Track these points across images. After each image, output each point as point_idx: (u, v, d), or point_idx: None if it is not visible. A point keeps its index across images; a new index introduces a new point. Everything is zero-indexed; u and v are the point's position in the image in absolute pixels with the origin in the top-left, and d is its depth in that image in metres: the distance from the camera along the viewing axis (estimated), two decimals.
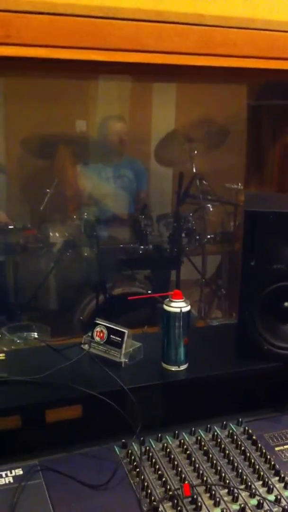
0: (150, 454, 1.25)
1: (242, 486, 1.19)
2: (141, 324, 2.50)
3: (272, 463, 1.26)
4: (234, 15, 1.43)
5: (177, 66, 1.42)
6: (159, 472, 1.20)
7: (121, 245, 3.39)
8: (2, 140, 4.07)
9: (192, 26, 1.39)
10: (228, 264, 3.68)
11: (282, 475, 1.23)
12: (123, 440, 1.27)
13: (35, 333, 2.03)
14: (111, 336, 1.46)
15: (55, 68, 1.57)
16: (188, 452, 1.27)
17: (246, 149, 2.57)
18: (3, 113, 4.07)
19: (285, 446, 1.33)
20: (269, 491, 1.19)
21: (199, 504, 1.13)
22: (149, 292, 3.25)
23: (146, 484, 1.17)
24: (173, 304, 1.41)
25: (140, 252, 3.38)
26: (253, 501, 1.16)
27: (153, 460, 1.23)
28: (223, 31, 1.40)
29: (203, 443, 1.30)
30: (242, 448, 1.30)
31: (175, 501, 1.13)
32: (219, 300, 3.70)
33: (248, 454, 1.28)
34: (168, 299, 1.42)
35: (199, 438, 1.31)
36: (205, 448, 1.28)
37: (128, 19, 1.33)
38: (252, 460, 1.26)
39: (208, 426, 1.35)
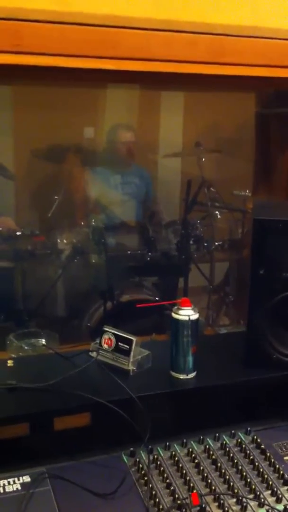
0: (158, 462, 1.25)
1: (251, 496, 1.19)
2: (149, 331, 2.49)
3: (281, 472, 1.25)
4: (243, 24, 1.43)
5: (185, 74, 1.43)
6: (167, 480, 1.20)
7: (129, 252, 3.39)
8: (11, 147, 4.09)
9: (201, 35, 1.39)
10: (236, 271, 3.67)
11: None
12: (131, 449, 1.27)
13: (43, 340, 2.03)
14: (119, 343, 1.46)
15: (64, 76, 1.58)
16: (196, 461, 1.26)
17: (254, 156, 2.57)
18: (12, 120, 4.09)
19: None
20: (278, 500, 1.18)
21: None
22: (157, 299, 3.24)
23: (154, 493, 1.16)
24: (181, 312, 1.41)
25: (148, 259, 3.37)
26: (262, 511, 1.16)
27: (161, 468, 1.23)
28: (232, 40, 1.41)
29: (211, 452, 1.29)
30: (251, 457, 1.29)
31: (184, 510, 1.13)
32: (227, 307, 3.69)
33: (256, 463, 1.27)
34: (176, 307, 1.42)
35: (207, 446, 1.30)
36: (213, 457, 1.28)
37: (137, 28, 1.34)
38: (261, 469, 1.26)
39: (217, 435, 1.34)
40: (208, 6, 1.40)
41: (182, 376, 1.44)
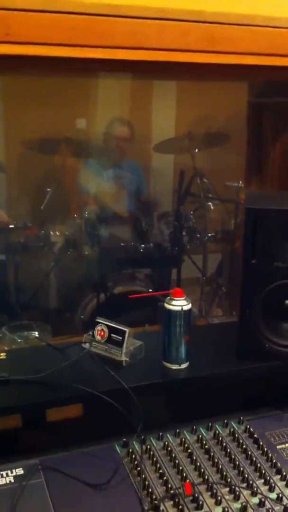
0: (151, 453, 1.24)
1: (244, 485, 1.19)
2: (142, 323, 2.50)
3: (274, 461, 1.26)
4: (235, 11, 1.42)
5: (178, 63, 1.42)
6: (160, 471, 1.20)
7: (122, 244, 3.38)
8: (2, 139, 4.07)
9: (193, 23, 1.38)
10: (228, 263, 3.68)
11: (284, 473, 1.22)
12: (124, 439, 1.27)
13: (36, 332, 2.02)
14: (112, 335, 1.45)
15: (55, 66, 1.56)
16: (189, 450, 1.26)
17: (246, 147, 2.56)
18: (3, 112, 4.06)
19: (287, 444, 1.32)
20: (271, 489, 1.19)
21: (201, 502, 1.12)
22: (150, 290, 3.24)
23: (147, 483, 1.16)
24: (174, 302, 1.41)
25: (141, 250, 3.37)
26: (255, 500, 1.16)
27: (154, 459, 1.23)
28: (224, 28, 1.40)
29: (204, 442, 1.29)
30: (244, 446, 1.29)
31: (176, 500, 1.13)
32: (219, 299, 3.69)
33: (249, 453, 1.28)
34: (169, 298, 1.42)
35: (200, 436, 1.30)
36: (206, 446, 1.28)
37: (127, 16, 1.33)
38: (254, 459, 1.26)
39: (209, 424, 1.34)
40: None
41: (174, 367, 1.43)
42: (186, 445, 1.27)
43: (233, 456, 1.26)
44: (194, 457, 1.24)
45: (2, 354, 1.47)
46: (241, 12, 1.43)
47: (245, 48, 1.44)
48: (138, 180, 3.98)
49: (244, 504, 1.14)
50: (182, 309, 1.40)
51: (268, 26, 1.45)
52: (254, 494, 1.17)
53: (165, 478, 1.18)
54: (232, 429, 1.34)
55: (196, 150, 3.67)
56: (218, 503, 1.13)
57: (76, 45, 1.31)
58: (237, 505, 1.14)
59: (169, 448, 1.26)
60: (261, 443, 1.30)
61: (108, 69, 1.87)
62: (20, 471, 1.18)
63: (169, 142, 3.91)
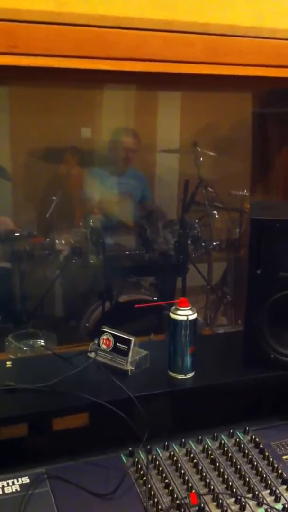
0: (157, 462, 1.25)
1: (250, 495, 1.19)
2: (147, 331, 2.49)
3: (280, 471, 1.25)
4: (240, 23, 1.43)
5: (183, 75, 1.43)
6: (166, 480, 1.20)
7: (127, 252, 3.39)
8: (8, 148, 4.09)
9: (198, 35, 1.39)
10: (233, 271, 3.68)
11: None
12: (130, 449, 1.27)
13: (42, 341, 2.03)
14: (118, 344, 1.46)
15: (61, 77, 1.58)
16: (195, 460, 1.26)
17: (251, 156, 2.57)
18: (10, 121, 4.09)
19: None
20: (277, 499, 1.19)
21: None
22: (155, 299, 3.24)
23: (153, 492, 1.16)
24: (179, 312, 1.41)
25: (146, 259, 3.38)
26: (261, 510, 1.16)
27: (160, 468, 1.23)
28: (229, 40, 1.41)
29: (210, 452, 1.29)
30: (249, 456, 1.29)
31: (182, 510, 1.13)
32: (224, 307, 3.69)
33: (255, 463, 1.27)
34: (174, 307, 1.42)
35: (206, 446, 1.30)
36: (212, 456, 1.28)
37: (133, 28, 1.34)
38: (260, 469, 1.26)
39: (215, 434, 1.34)
40: (205, 6, 1.40)
41: (180, 376, 1.44)
42: (191, 455, 1.28)
43: (238, 466, 1.26)
44: (200, 467, 1.24)
45: (8, 362, 1.48)
46: (246, 24, 1.44)
47: (250, 60, 1.45)
48: (143, 188, 4.00)
49: None
50: (187, 318, 1.40)
51: (272, 38, 1.46)
52: (259, 504, 1.17)
53: (170, 488, 1.18)
54: (237, 439, 1.34)
55: (201, 159, 3.69)
56: None
57: (82, 57, 1.33)
58: None
59: (174, 458, 1.26)
60: (266, 453, 1.30)
61: (114, 81, 1.89)
62: (26, 479, 1.18)
63: (173, 151, 3.93)
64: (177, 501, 1.14)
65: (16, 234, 3.28)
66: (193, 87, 2.29)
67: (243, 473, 1.24)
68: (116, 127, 4.03)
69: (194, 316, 1.42)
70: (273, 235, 1.40)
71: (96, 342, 1.50)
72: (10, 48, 1.26)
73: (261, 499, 1.18)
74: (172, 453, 1.27)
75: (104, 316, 3.11)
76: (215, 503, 1.16)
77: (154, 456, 1.26)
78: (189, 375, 1.44)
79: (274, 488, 1.21)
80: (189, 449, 1.29)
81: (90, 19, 1.30)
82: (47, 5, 1.27)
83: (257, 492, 1.19)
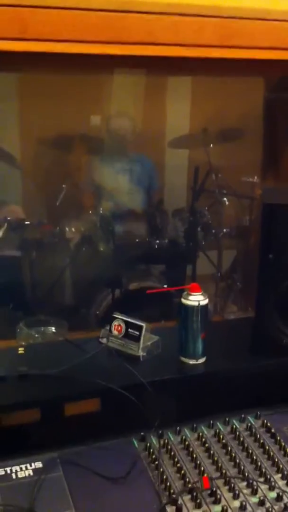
0: (169, 447, 1.25)
1: (262, 479, 1.19)
2: (157, 319, 2.50)
3: None
4: (251, 5, 1.41)
5: (193, 59, 1.42)
6: (178, 465, 1.20)
7: (137, 240, 3.39)
8: (17, 136, 4.09)
9: (208, 18, 1.37)
10: (243, 258, 3.67)
11: None
12: (142, 433, 1.27)
13: (53, 328, 2.04)
14: (129, 330, 1.46)
15: (70, 63, 1.57)
16: (206, 445, 1.27)
17: (262, 142, 2.55)
18: (18, 109, 4.08)
19: None
20: None
21: (218, 496, 1.12)
22: (165, 286, 3.24)
23: (165, 477, 1.17)
24: (191, 297, 1.41)
25: (156, 247, 3.37)
26: (273, 494, 1.16)
27: (172, 453, 1.23)
28: (240, 22, 1.39)
29: (221, 436, 1.29)
30: (261, 441, 1.29)
31: (194, 493, 1.13)
32: (234, 295, 3.69)
33: (267, 447, 1.28)
34: (185, 293, 1.42)
35: (217, 431, 1.31)
36: (223, 441, 1.28)
37: (143, 12, 1.33)
38: (271, 453, 1.26)
39: (227, 419, 1.34)
40: None
41: (191, 361, 1.44)
42: (203, 440, 1.28)
43: (250, 451, 1.26)
44: (212, 452, 1.25)
45: (20, 349, 1.49)
46: (257, 6, 1.42)
47: (261, 43, 1.43)
48: (150, 174, 3.98)
49: (261, 498, 1.14)
50: (199, 304, 1.40)
51: (284, 20, 1.44)
52: (271, 488, 1.17)
53: (182, 472, 1.18)
54: (249, 424, 1.34)
55: (211, 145, 3.66)
56: (235, 497, 1.13)
57: (91, 42, 1.32)
58: (254, 499, 1.14)
59: (186, 443, 1.26)
60: (278, 437, 1.30)
61: (123, 65, 1.88)
62: (39, 464, 1.19)
63: (183, 138, 3.91)
64: (189, 485, 1.15)
65: (26, 222, 3.29)
66: (203, 72, 2.27)
67: (254, 457, 1.24)
68: (110, 114, 4.02)
69: (206, 301, 1.42)
70: (285, 219, 1.39)
71: (107, 328, 1.50)
72: (19, 33, 1.25)
73: (273, 483, 1.18)
74: (184, 437, 1.28)
75: (114, 303, 3.12)
76: (227, 487, 1.16)
77: (166, 441, 1.26)
78: (201, 361, 1.44)
79: (286, 472, 1.21)
80: (200, 434, 1.29)
81: (98, 4, 1.29)
82: None
83: (268, 476, 1.20)
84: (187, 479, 1.16)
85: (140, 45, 1.35)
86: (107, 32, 1.31)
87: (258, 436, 1.30)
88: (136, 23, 1.33)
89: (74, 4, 1.27)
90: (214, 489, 1.14)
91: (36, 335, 1.96)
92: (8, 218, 3.22)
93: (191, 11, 1.36)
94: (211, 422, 1.33)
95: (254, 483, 1.17)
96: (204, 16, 1.37)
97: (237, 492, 1.14)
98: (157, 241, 3.38)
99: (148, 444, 1.25)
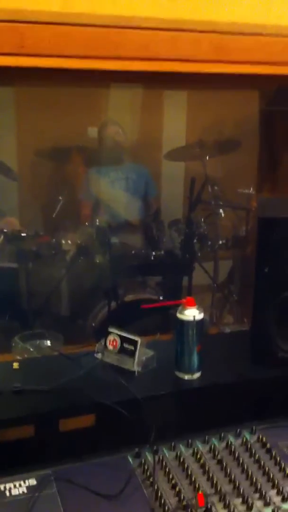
0: (164, 463, 1.24)
1: (257, 495, 1.18)
2: (153, 330, 2.49)
3: (287, 471, 1.25)
4: (247, 21, 1.42)
5: (189, 73, 1.43)
6: (173, 481, 1.19)
7: (133, 251, 3.39)
8: (14, 148, 4.09)
9: (205, 34, 1.38)
10: (240, 270, 3.67)
11: None
12: (137, 450, 1.26)
13: (48, 341, 2.03)
14: (124, 344, 1.45)
15: (67, 77, 1.57)
16: (202, 461, 1.26)
17: (258, 154, 2.57)
18: (15, 121, 4.09)
19: None
20: (284, 499, 1.18)
21: None
22: (161, 298, 3.24)
23: (160, 493, 1.16)
24: (186, 312, 1.41)
25: (152, 258, 3.37)
26: (268, 510, 1.15)
27: (167, 469, 1.22)
28: (236, 38, 1.40)
29: (217, 452, 1.28)
30: (257, 456, 1.29)
31: (189, 511, 1.12)
32: (230, 306, 3.68)
33: (262, 463, 1.27)
34: (181, 307, 1.42)
35: (212, 446, 1.30)
36: (219, 457, 1.27)
37: (140, 27, 1.34)
38: (267, 469, 1.25)
39: (222, 434, 1.34)
40: (211, 4, 1.39)
41: (187, 376, 1.43)
42: (198, 455, 1.27)
43: (245, 466, 1.25)
44: (207, 468, 1.24)
45: (15, 364, 1.48)
46: (252, 22, 1.43)
47: (256, 58, 1.44)
48: (146, 184, 3.98)
49: None
50: (194, 318, 1.40)
51: (279, 35, 1.45)
52: (267, 504, 1.16)
53: (177, 489, 1.18)
54: (244, 439, 1.33)
55: (207, 157, 3.67)
56: None
57: (89, 57, 1.33)
58: None
59: (181, 459, 1.26)
60: (273, 453, 1.30)
61: (120, 80, 1.89)
62: (33, 481, 1.18)
63: (180, 150, 3.92)
64: (184, 502, 1.14)
65: (22, 234, 3.28)
66: (200, 86, 2.29)
67: (250, 473, 1.23)
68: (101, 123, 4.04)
69: (201, 316, 1.42)
70: (281, 233, 1.40)
71: (102, 342, 1.50)
72: (17, 48, 1.26)
73: (268, 499, 1.17)
74: (178, 453, 1.27)
75: (110, 315, 3.11)
76: (222, 504, 1.15)
77: (161, 457, 1.25)
78: (196, 375, 1.44)
79: (281, 488, 1.20)
80: (195, 449, 1.29)
81: (96, 19, 1.30)
82: (54, 5, 1.27)
83: (264, 492, 1.19)
84: (182, 496, 1.16)
85: (137, 61, 1.36)
86: (104, 47, 1.32)
87: (253, 451, 1.30)
88: (133, 38, 1.34)
89: (72, 20, 1.28)
90: (209, 506, 1.14)
91: (31, 349, 1.95)
92: (5, 230, 3.22)
93: (188, 26, 1.37)
94: (206, 437, 1.32)
95: (250, 499, 1.16)
96: (200, 32, 1.38)
97: (232, 508, 1.13)
98: (153, 253, 3.37)
99: (143, 460, 1.24)
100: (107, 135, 3.89)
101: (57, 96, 3.45)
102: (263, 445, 1.32)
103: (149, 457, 1.25)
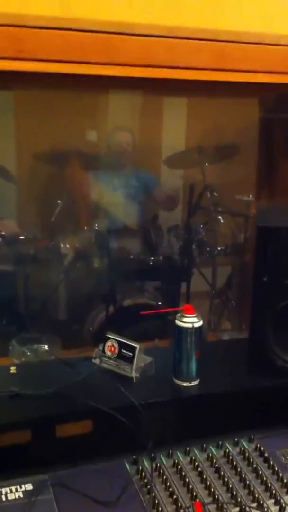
0: (161, 470, 1.24)
1: (254, 504, 1.18)
2: (151, 336, 2.49)
3: (285, 480, 1.24)
4: (247, 29, 1.43)
5: (189, 81, 1.43)
6: (170, 489, 1.19)
7: (131, 256, 3.39)
8: (13, 151, 4.09)
9: (205, 42, 1.39)
10: (238, 276, 3.67)
11: None
12: (134, 456, 1.26)
13: (46, 345, 2.03)
14: (123, 350, 1.45)
15: (66, 82, 1.58)
16: (199, 469, 1.25)
17: (257, 161, 2.57)
18: (14, 125, 4.09)
19: None
20: (282, 509, 1.17)
21: None
22: (159, 303, 3.24)
23: (157, 501, 1.16)
24: (185, 319, 1.40)
25: (150, 263, 3.37)
26: None
27: (164, 477, 1.22)
28: (236, 46, 1.41)
29: (214, 460, 1.28)
30: (254, 465, 1.28)
31: None
32: (229, 312, 3.68)
33: (260, 472, 1.26)
34: (179, 314, 1.42)
35: (210, 454, 1.30)
36: (216, 465, 1.27)
37: (139, 34, 1.34)
38: (264, 478, 1.25)
39: (220, 442, 1.33)
40: (211, 12, 1.40)
41: (185, 384, 1.43)
42: (196, 463, 1.27)
43: (243, 475, 1.25)
44: (204, 476, 1.23)
45: (12, 368, 1.48)
46: (253, 30, 1.43)
47: (256, 66, 1.45)
48: (147, 189, 3.98)
49: None
50: (193, 326, 1.40)
51: (279, 44, 1.46)
52: None
53: (175, 496, 1.17)
54: (242, 448, 1.33)
55: (206, 164, 3.68)
56: None
57: (88, 63, 1.33)
58: None
59: (179, 466, 1.25)
60: (271, 462, 1.29)
61: (119, 86, 1.89)
62: (29, 486, 1.17)
63: (179, 156, 3.93)
64: (181, 510, 1.14)
65: (20, 237, 3.28)
66: (199, 93, 2.29)
67: (247, 482, 1.23)
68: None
69: (200, 323, 1.41)
70: (279, 242, 1.40)
71: (100, 348, 1.49)
72: (16, 53, 1.26)
73: (265, 509, 1.17)
74: (176, 461, 1.27)
75: (108, 320, 3.11)
76: None
77: (158, 464, 1.25)
78: (194, 383, 1.44)
79: (279, 498, 1.20)
80: (193, 457, 1.28)
81: (96, 25, 1.30)
82: (53, 10, 1.27)
83: (261, 502, 1.18)
84: (179, 504, 1.15)
85: (136, 67, 1.36)
86: (104, 53, 1.33)
87: (251, 460, 1.29)
88: (133, 45, 1.34)
89: (72, 25, 1.28)
90: None
91: (29, 353, 1.95)
92: (3, 233, 3.22)
93: (188, 34, 1.37)
94: (204, 445, 1.32)
95: (247, 508, 1.16)
96: (201, 40, 1.38)
97: None
98: (152, 258, 3.38)
99: (140, 467, 1.24)
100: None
101: (56, 100, 3.45)
102: (261, 453, 1.32)
103: (147, 464, 1.25)
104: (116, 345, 1.46)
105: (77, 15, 1.28)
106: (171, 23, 1.36)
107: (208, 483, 1.21)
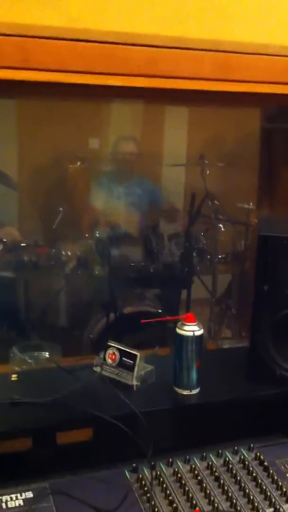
0: (161, 479, 1.24)
1: None
2: (151, 343, 2.49)
3: (284, 489, 1.25)
4: (249, 40, 1.44)
5: (191, 91, 1.44)
6: (170, 497, 1.19)
7: (132, 264, 3.40)
8: (15, 158, 4.11)
9: (207, 52, 1.40)
10: (238, 284, 3.68)
11: None
12: (134, 464, 1.26)
13: (47, 353, 2.03)
14: (123, 358, 1.45)
15: (70, 91, 1.59)
16: (199, 477, 1.26)
17: (258, 170, 2.58)
18: (16, 132, 4.11)
19: None
20: None
21: None
22: (160, 311, 3.24)
23: (156, 509, 1.16)
24: (185, 327, 1.41)
25: (151, 270, 3.38)
26: None
27: (164, 485, 1.22)
28: (239, 57, 1.42)
29: (214, 469, 1.28)
30: (254, 474, 1.28)
31: None
32: (229, 320, 3.69)
33: (259, 481, 1.27)
34: (180, 323, 1.42)
35: (210, 463, 1.30)
36: (216, 474, 1.27)
37: (143, 45, 1.35)
38: (264, 487, 1.25)
39: (220, 451, 1.33)
40: (214, 23, 1.41)
41: (185, 392, 1.43)
42: (196, 472, 1.27)
43: (243, 484, 1.25)
44: (204, 484, 1.24)
45: (14, 376, 1.48)
46: (255, 41, 1.45)
47: (258, 77, 1.46)
48: (151, 197, 3.99)
49: None
50: (194, 334, 1.40)
51: (281, 55, 1.47)
52: None
53: (174, 505, 1.17)
54: (242, 456, 1.33)
55: (208, 172, 3.70)
56: None
57: (93, 73, 1.34)
58: None
59: (179, 475, 1.25)
60: (271, 471, 1.30)
61: (122, 95, 1.90)
62: (29, 494, 1.17)
63: (181, 164, 3.95)
64: None
65: (22, 244, 3.29)
66: (201, 103, 2.31)
67: (247, 490, 1.23)
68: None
69: (201, 332, 1.42)
70: (280, 251, 1.40)
71: (101, 356, 1.50)
72: (22, 63, 1.27)
73: None
74: (176, 469, 1.27)
75: (109, 327, 3.11)
76: None
77: (158, 473, 1.25)
78: (195, 391, 1.44)
79: (278, 506, 1.20)
80: (193, 466, 1.28)
81: (101, 36, 1.31)
82: (59, 21, 1.28)
83: (261, 510, 1.19)
84: None
85: (140, 77, 1.37)
86: (109, 63, 1.34)
87: (251, 469, 1.30)
88: (136, 55, 1.35)
89: (77, 35, 1.30)
90: None
91: (29, 360, 1.95)
92: (4, 240, 3.22)
93: (191, 45, 1.39)
94: (204, 454, 1.32)
95: None
96: (203, 50, 1.39)
97: None
98: (153, 265, 3.38)
99: (140, 476, 1.24)
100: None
101: (58, 108, 3.48)
102: (261, 462, 1.32)
103: (147, 473, 1.25)
104: (117, 353, 1.47)
105: (83, 25, 1.30)
106: (174, 34, 1.37)
107: (208, 491, 1.22)
